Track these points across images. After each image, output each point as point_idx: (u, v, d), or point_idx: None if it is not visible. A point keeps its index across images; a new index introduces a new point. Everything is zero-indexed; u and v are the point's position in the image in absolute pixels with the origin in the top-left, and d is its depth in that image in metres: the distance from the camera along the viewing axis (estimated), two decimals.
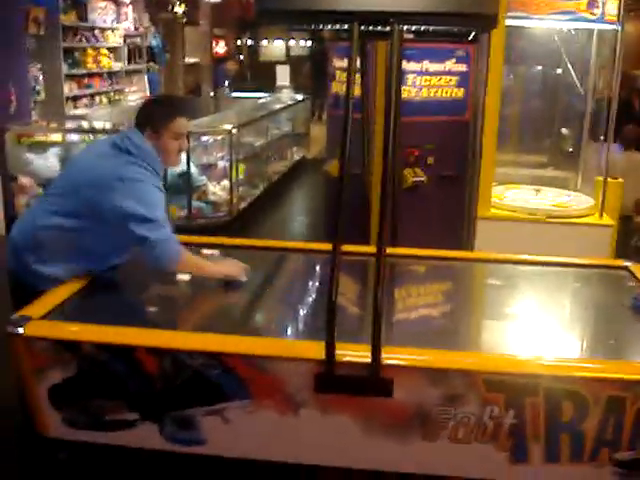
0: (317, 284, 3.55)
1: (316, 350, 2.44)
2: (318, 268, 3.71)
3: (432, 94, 4.84)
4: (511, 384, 2.44)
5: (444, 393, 2.45)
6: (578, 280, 3.58)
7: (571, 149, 5.69)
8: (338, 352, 2.43)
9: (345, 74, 4.88)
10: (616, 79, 4.84)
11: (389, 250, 2.62)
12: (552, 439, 2.48)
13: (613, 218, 5.00)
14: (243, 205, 7.95)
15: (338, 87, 5.13)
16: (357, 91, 4.74)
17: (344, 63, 5.02)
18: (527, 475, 2.56)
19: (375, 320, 2.38)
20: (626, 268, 3.50)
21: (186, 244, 3.90)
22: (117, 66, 11.28)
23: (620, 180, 5.08)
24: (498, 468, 2.54)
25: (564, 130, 5.67)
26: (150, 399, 2.61)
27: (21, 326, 2.60)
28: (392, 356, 2.44)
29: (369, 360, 2.41)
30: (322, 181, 7.14)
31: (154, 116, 3.11)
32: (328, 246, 3.67)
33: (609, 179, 5.00)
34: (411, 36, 4.35)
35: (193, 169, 7.23)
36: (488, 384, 2.43)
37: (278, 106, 10.36)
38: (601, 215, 5.01)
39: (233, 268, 3.19)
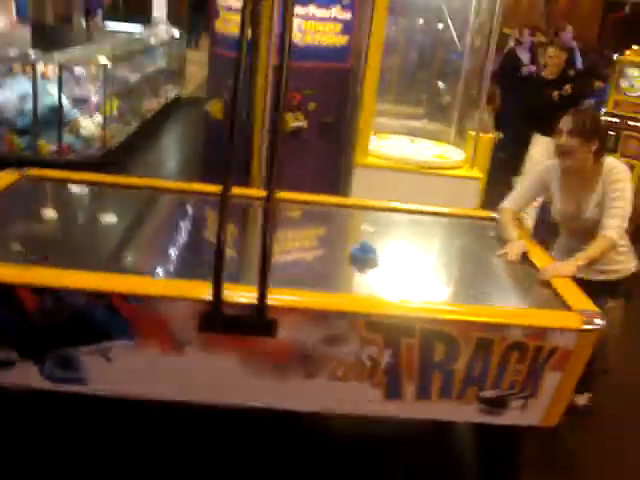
0: (196, 225, 3.56)
1: (202, 290, 2.47)
2: (197, 208, 3.71)
3: (316, 40, 4.84)
4: (390, 326, 2.57)
5: (326, 334, 2.55)
6: (447, 229, 3.75)
7: (446, 103, 5.88)
8: (225, 292, 2.46)
9: (230, 14, 4.91)
10: (493, 38, 5.05)
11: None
12: (425, 377, 2.64)
13: (482, 171, 5.24)
14: (116, 142, 7.73)
15: (222, 26, 5.04)
16: (236, 30, 4.74)
17: (226, 1, 4.95)
18: (399, 410, 2.72)
19: (263, 262, 2.42)
20: (493, 219, 3.72)
21: (57, 180, 3.83)
22: None
23: (490, 135, 5.32)
24: (373, 404, 2.70)
25: (440, 84, 5.84)
26: (30, 338, 2.57)
27: None
28: (278, 297, 2.51)
29: (255, 301, 2.46)
30: (199, 120, 7.06)
31: None
32: (207, 187, 3.73)
33: (480, 134, 5.23)
34: None
35: (64, 102, 6.94)
36: (369, 325, 2.55)
37: (154, 41, 10.04)
38: (472, 168, 5.24)
39: None
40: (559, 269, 3.08)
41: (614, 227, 3.25)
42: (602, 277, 3.49)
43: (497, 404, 2.73)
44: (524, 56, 8.26)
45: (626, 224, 3.30)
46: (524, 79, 7.56)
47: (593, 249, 3.23)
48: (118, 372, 2.62)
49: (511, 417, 2.76)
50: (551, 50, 6.67)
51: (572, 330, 2.63)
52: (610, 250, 3.30)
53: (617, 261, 3.50)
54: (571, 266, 3.10)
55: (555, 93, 6.32)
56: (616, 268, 3.52)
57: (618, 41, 8.20)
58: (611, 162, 3.43)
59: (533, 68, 7.69)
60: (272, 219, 2.48)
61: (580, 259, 3.17)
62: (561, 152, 3.36)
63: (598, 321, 2.65)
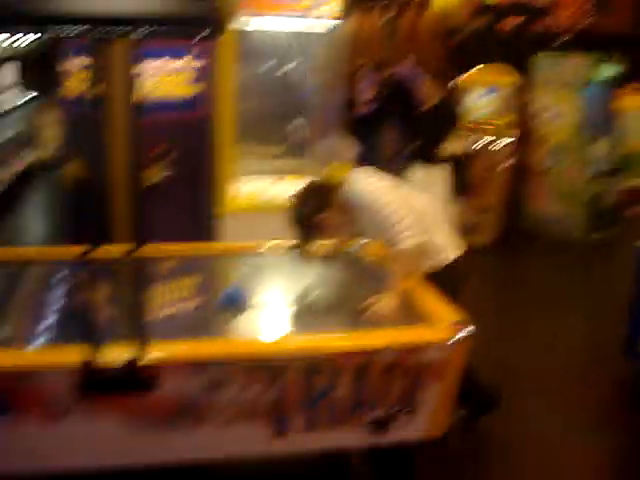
0: (63, 290, 3.49)
1: (77, 354, 2.44)
2: (62, 274, 3.64)
3: (169, 91, 4.88)
4: (269, 364, 2.61)
5: (207, 381, 2.56)
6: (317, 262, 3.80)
7: (304, 138, 6.04)
8: (100, 353, 2.44)
9: (78, 74, 4.89)
10: (340, 73, 5.25)
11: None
12: (310, 409, 2.70)
13: None
14: None
15: (69, 87, 5.00)
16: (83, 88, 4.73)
17: (76, 62, 4.92)
18: (290, 445, 2.76)
19: (137, 317, 2.42)
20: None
21: None
22: None
23: (348, 165, 5.48)
24: (263, 443, 2.73)
25: (297, 121, 5.99)
26: None
27: None
28: (155, 351, 2.50)
29: (131, 357, 2.45)
30: (60, 183, 6.94)
31: None
32: (71, 250, 3.68)
33: (338, 164, 5.40)
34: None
35: None
36: (247, 367, 2.58)
37: (3, 108, 9.75)
38: None
39: None
40: (382, 310, 3.01)
41: (397, 237, 3.15)
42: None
43: (383, 423, 2.82)
44: (365, 94, 7.94)
45: (400, 220, 3.16)
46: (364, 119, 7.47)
47: (398, 270, 3.17)
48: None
49: (399, 433, 2.85)
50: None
51: (444, 342, 2.76)
52: (413, 255, 3.19)
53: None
54: (391, 303, 3.04)
55: None
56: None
57: (459, 64, 8.65)
58: (349, 189, 3.33)
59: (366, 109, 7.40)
60: (142, 272, 2.49)
61: (394, 288, 3.10)
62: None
63: (468, 329, 2.80)
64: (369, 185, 3.32)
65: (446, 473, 3.55)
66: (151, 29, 2.38)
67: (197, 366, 2.55)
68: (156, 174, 4.75)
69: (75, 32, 3.13)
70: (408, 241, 3.16)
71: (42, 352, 2.63)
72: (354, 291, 3.39)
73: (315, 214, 3.28)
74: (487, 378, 3.85)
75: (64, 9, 2.51)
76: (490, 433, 3.90)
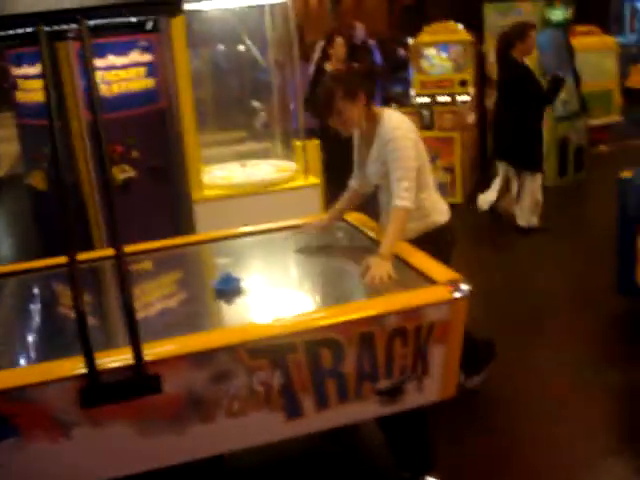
0: (47, 302, 3.39)
1: (74, 366, 2.36)
2: (39, 287, 3.52)
3: (123, 88, 4.76)
4: (272, 347, 2.55)
5: (212, 373, 2.49)
6: (295, 240, 3.68)
7: (264, 120, 5.96)
8: (98, 362, 2.36)
9: (29, 82, 4.74)
10: (294, 49, 5.16)
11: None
12: (319, 387, 2.65)
13: (317, 176, 5.33)
14: None
15: (23, 95, 4.86)
16: (41, 97, 4.60)
17: (23, 70, 4.78)
18: (303, 427, 2.71)
19: (130, 319, 2.34)
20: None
21: None
22: None
23: (316, 141, 5.42)
24: (277, 428, 2.67)
25: (255, 103, 5.91)
26: None
27: None
28: (153, 351, 2.43)
29: (131, 362, 2.37)
30: (23, 197, 6.77)
31: None
32: (47, 262, 3.57)
33: (306, 142, 5.32)
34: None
35: None
36: (251, 353, 2.52)
37: None
38: (306, 176, 5.32)
39: None
40: (376, 273, 2.96)
41: (401, 193, 3.15)
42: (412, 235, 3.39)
43: (394, 392, 2.78)
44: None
45: (411, 180, 3.17)
46: None
47: (392, 228, 3.14)
48: (13, 474, 2.45)
49: (411, 400, 2.82)
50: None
51: (444, 302, 2.72)
52: (407, 216, 3.18)
53: (415, 217, 3.38)
54: (384, 263, 3.00)
55: None
56: (415, 225, 3.41)
57: (408, 27, 8.60)
58: (386, 118, 3.31)
59: None
60: (126, 274, 2.40)
61: (386, 247, 3.07)
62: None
63: (464, 287, 2.76)
64: (400, 128, 3.26)
65: (456, 434, 3.54)
66: (108, 18, 2.30)
67: (199, 359, 2.47)
68: (123, 172, 4.64)
69: (22, 33, 3.02)
70: (405, 200, 3.16)
71: (37, 368, 2.53)
72: (346, 262, 3.36)
73: (339, 99, 3.23)
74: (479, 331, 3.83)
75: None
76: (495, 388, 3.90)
